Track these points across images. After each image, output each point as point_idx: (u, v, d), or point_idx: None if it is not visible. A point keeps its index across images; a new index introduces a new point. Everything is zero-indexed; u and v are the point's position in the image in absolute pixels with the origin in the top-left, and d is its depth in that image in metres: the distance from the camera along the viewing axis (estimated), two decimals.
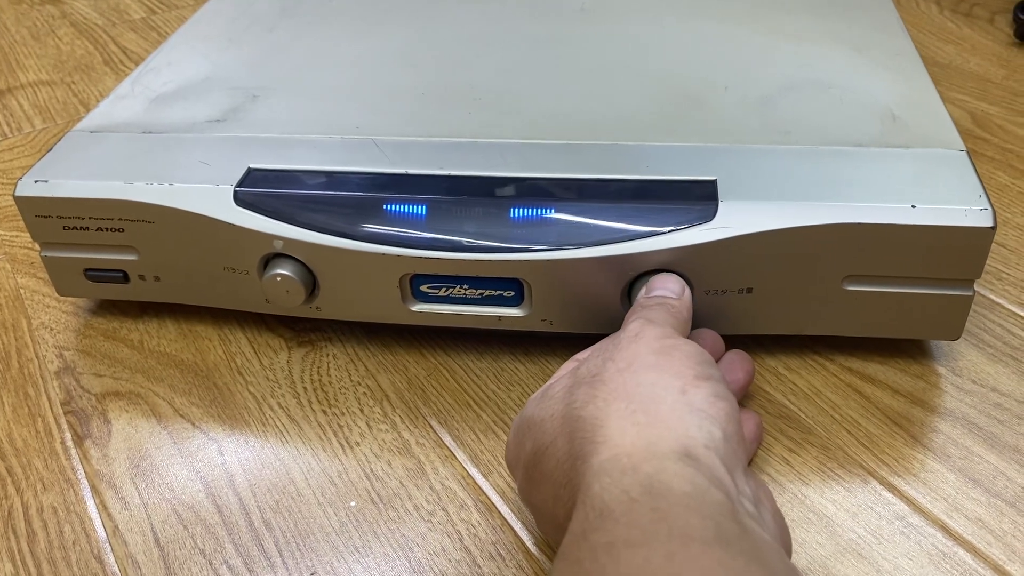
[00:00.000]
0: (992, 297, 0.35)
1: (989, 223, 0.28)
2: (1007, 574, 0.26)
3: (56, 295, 0.38)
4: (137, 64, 0.57)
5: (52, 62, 0.58)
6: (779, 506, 0.28)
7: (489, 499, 0.29)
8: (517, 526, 0.28)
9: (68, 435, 0.32)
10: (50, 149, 0.35)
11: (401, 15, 0.44)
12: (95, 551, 0.28)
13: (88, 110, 0.52)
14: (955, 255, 0.29)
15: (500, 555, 0.27)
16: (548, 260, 0.30)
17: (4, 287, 0.39)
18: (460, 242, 0.30)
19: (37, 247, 0.41)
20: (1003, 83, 0.49)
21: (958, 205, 0.29)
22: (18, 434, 0.32)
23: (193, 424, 0.32)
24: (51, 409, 0.33)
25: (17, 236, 0.42)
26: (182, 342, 0.35)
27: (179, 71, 0.40)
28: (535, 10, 0.43)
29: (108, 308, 0.37)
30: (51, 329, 0.37)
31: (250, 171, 0.33)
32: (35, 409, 0.33)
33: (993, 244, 0.38)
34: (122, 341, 0.36)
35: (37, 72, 0.57)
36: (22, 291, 0.39)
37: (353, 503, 0.29)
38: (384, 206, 0.31)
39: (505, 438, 0.31)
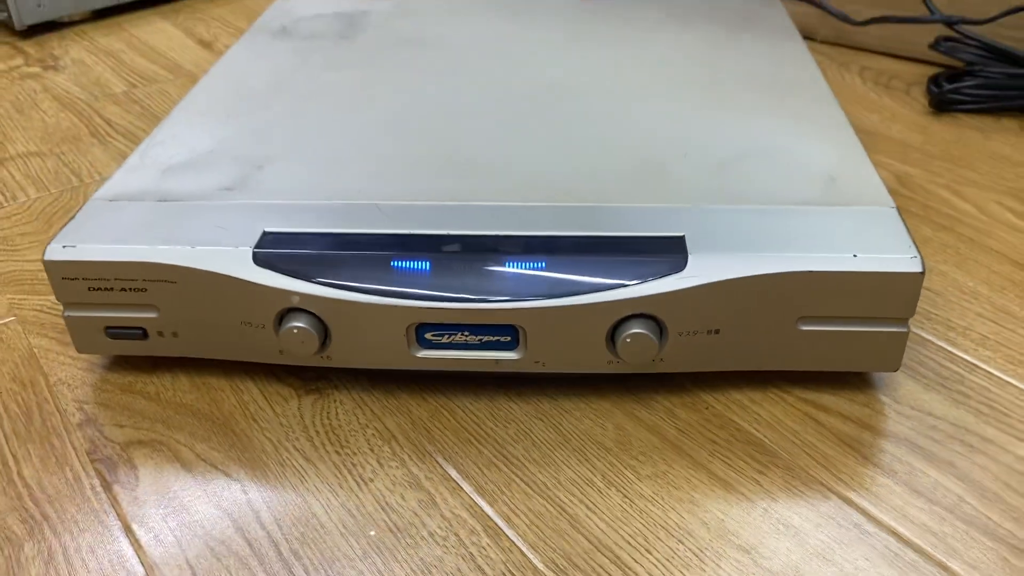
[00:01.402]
0: (923, 335, 0.40)
1: (919, 269, 0.33)
2: (949, 569, 0.30)
3: (69, 353, 0.40)
4: (123, 135, 0.60)
5: (39, 134, 0.60)
6: (752, 519, 0.32)
7: (496, 524, 0.32)
8: (524, 547, 0.31)
9: (96, 481, 0.34)
10: (72, 217, 0.38)
11: (385, 89, 0.48)
12: None
13: (80, 180, 0.55)
14: (891, 297, 0.34)
15: (511, 573, 0.30)
16: (542, 308, 0.34)
17: (18, 347, 0.41)
18: (462, 293, 0.34)
19: (45, 308, 0.44)
20: (922, 148, 0.55)
21: (892, 254, 0.34)
22: (48, 482, 0.34)
23: (215, 467, 0.34)
24: (77, 458, 0.35)
25: (25, 299, 0.44)
26: (196, 393, 0.38)
27: (185, 144, 0.43)
28: (511, 87, 0.48)
29: (122, 364, 0.40)
30: (69, 385, 0.39)
31: (265, 234, 0.36)
32: (62, 459, 0.35)
33: (922, 289, 0.43)
34: (139, 394, 0.38)
35: (25, 144, 0.59)
36: (35, 350, 0.41)
37: (372, 532, 0.32)
38: (391, 263, 0.35)
39: (505, 470, 0.34)
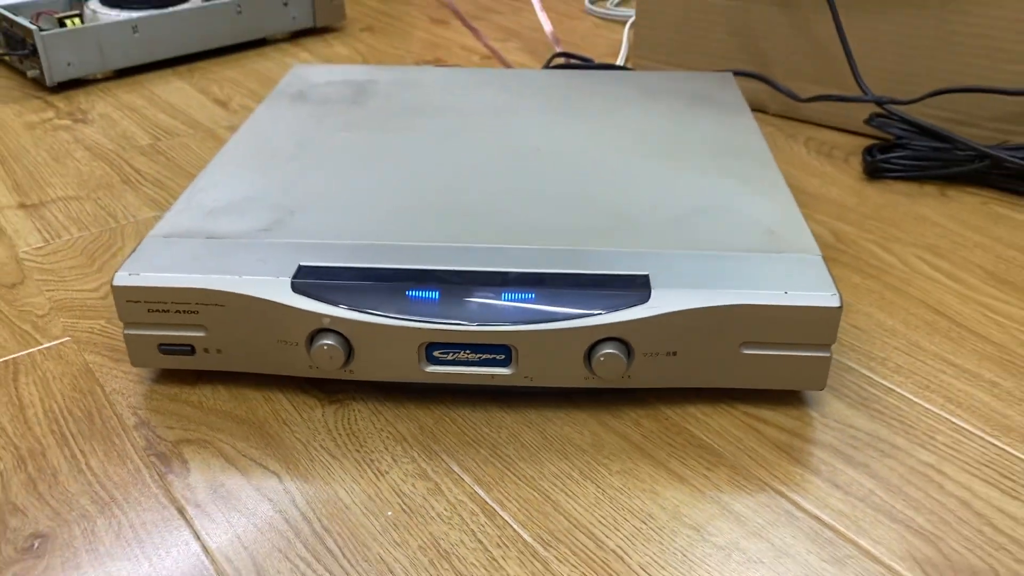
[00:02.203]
0: (849, 364, 0.48)
1: (837, 304, 0.41)
2: (859, 545, 0.37)
3: (121, 367, 0.47)
4: (152, 183, 0.67)
5: (75, 180, 0.67)
6: (702, 506, 0.39)
7: (492, 507, 0.38)
8: (515, 525, 0.38)
9: (155, 472, 0.40)
10: (134, 249, 0.44)
11: (394, 149, 0.55)
12: (194, 553, 0.36)
13: (116, 221, 0.61)
14: (815, 327, 0.41)
15: (504, 544, 0.37)
16: (530, 331, 0.41)
17: (75, 362, 0.47)
18: (465, 318, 0.41)
19: (95, 330, 0.50)
20: (856, 209, 0.64)
21: (816, 292, 0.41)
22: (112, 472, 0.40)
23: (254, 461, 0.41)
24: (136, 453, 0.41)
25: (77, 322, 0.51)
26: (234, 402, 0.45)
27: (224, 191, 0.50)
28: (503, 149, 0.55)
29: (167, 376, 0.46)
30: (122, 394, 0.45)
31: (301, 267, 0.43)
32: (122, 454, 0.41)
33: (848, 326, 0.51)
34: (184, 402, 0.44)
35: (64, 189, 0.66)
36: (91, 365, 0.47)
37: (390, 513, 0.38)
38: (406, 292, 0.42)
39: (499, 466, 0.41)
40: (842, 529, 0.38)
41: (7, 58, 0.85)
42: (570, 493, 0.39)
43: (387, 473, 0.40)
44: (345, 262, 0.43)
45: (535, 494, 0.39)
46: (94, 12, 0.88)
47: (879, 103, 0.67)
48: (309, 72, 0.68)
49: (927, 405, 0.45)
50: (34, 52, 0.81)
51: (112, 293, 0.43)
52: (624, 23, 1.04)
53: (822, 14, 0.72)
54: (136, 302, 0.43)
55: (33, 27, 0.80)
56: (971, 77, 0.68)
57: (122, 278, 0.43)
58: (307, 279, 0.42)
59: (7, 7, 0.89)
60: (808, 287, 0.42)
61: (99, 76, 0.87)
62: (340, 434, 0.43)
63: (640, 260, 0.44)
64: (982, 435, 0.43)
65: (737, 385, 0.43)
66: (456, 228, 0.46)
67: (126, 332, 0.44)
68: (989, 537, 0.37)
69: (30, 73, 0.83)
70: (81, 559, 0.36)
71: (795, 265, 0.43)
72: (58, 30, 0.81)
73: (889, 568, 0.36)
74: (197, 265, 0.43)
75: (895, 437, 0.43)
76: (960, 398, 0.45)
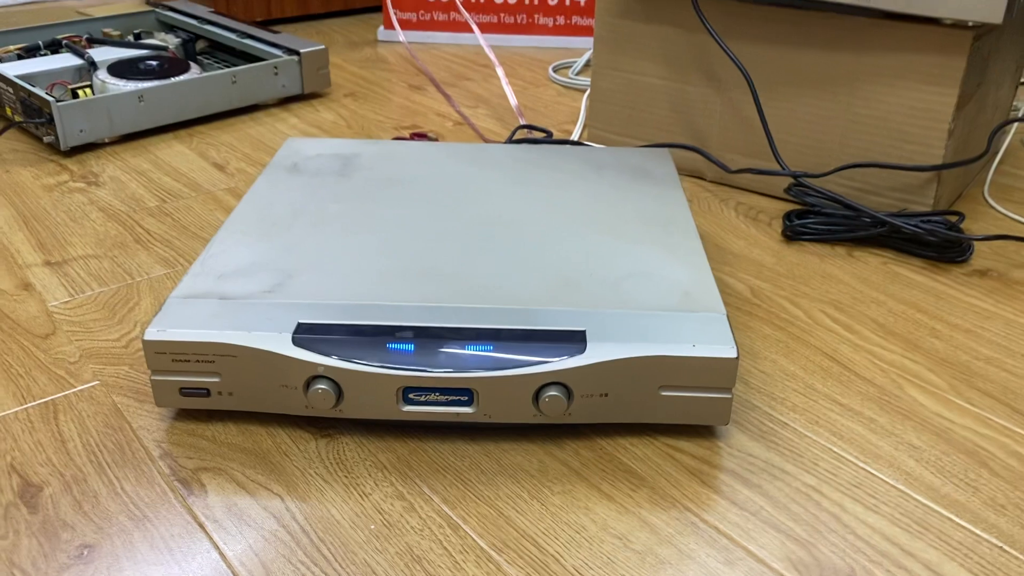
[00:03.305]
0: (753, 402, 0.58)
1: (734, 355, 0.51)
2: (748, 550, 0.46)
3: (144, 407, 0.56)
4: (161, 242, 0.76)
5: (93, 240, 0.76)
6: (625, 519, 0.48)
7: (456, 522, 0.48)
8: (475, 536, 0.47)
9: (178, 494, 0.49)
10: (159, 310, 0.53)
11: (377, 218, 0.65)
12: (215, 560, 0.45)
13: (132, 277, 0.70)
14: (718, 373, 0.51)
15: (465, 551, 0.46)
16: (489, 377, 0.50)
17: (105, 403, 0.56)
18: (435, 366, 0.50)
19: (121, 375, 0.59)
20: (773, 268, 0.74)
21: (718, 345, 0.51)
22: (144, 494, 0.49)
23: (260, 485, 0.50)
24: (162, 479, 0.50)
25: (104, 368, 0.59)
26: (242, 436, 0.53)
27: (232, 258, 0.59)
28: (467, 217, 0.65)
29: (185, 415, 0.55)
30: (148, 430, 0.54)
31: (299, 324, 0.52)
32: (151, 479, 0.50)
33: (756, 370, 0.61)
34: (200, 436, 0.53)
35: (83, 248, 0.75)
36: (119, 405, 0.56)
37: (372, 526, 0.47)
38: (387, 345, 0.51)
39: (462, 488, 0.50)
40: (735, 537, 0.47)
41: (26, 125, 0.94)
42: (519, 510, 0.49)
43: (370, 495, 0.49)
44: (336, 319, 0.53)
45: (491, 511, 0.48)
46: (103, 82, 0.97)
47: (795, 176, 0.78)
48: (302, 145, 0.78)
49: (815, 437, 0.55)
50: (51, 120, 0.90)
51: (143, 346, 0.51)
52: (583, 91, 1.15)
53: (748, 96, 0.83)
54: (162, 353, 0.52)
55: (50, 98, 0.89)
56: (875, 153, 0.79)
57: (151, 333, 0.52)
58: (305, 334, 0.52)
59: (23, 77, 0.99)
60: (712, 341, 0.52)
61: (107, 140, 0.96)
62: (331, 462, 0.52)
63: (578, 318, 0.53)
64: (856, 462, 0.53)
65: (657, 420, 0.53)
66: (428, 289, 0.56)
67: (153, 378, 0.53)
68: (851, 543, 0.47)
69: (46, 139, 0.92)
70: (123, 564, 0.45)
71: (703, 323, 0.53)
72: (73, 101, 0.90)
73: (771, 568, 0.45)
74: (213, 322, 0.52)
75: (786, 464, 0.52)
76: (842, 432, 0.55)
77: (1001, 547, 0.47)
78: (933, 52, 0.73)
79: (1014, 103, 1.09)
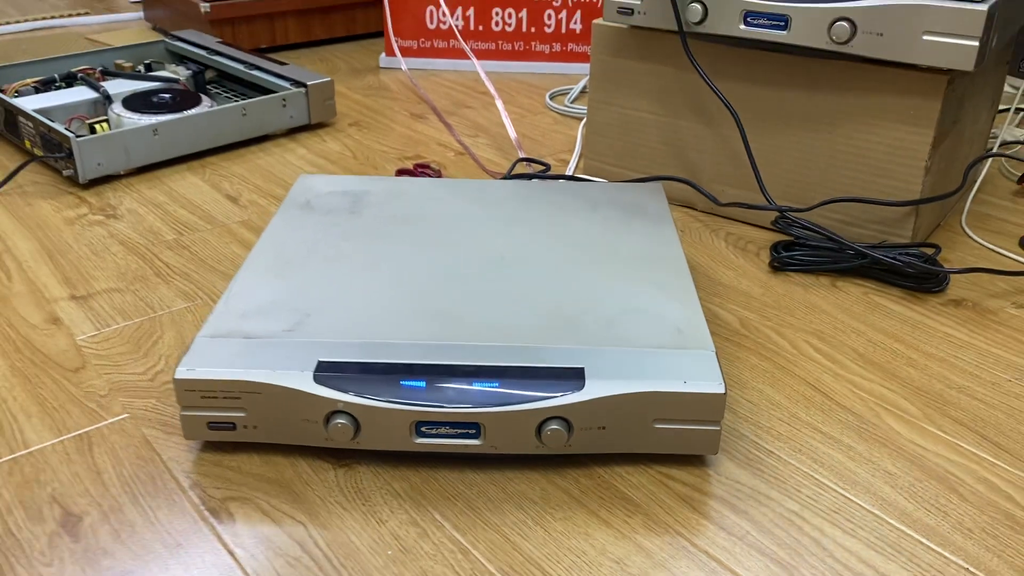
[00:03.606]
0: (741, 431, 0.62)
1: (722, 391, 0.55)
2: (735, 572, 0.50)
3: (172, 439, 0.59)
4: (180, 276, 0.80)
5: (115, 274, 0.80)
6: (622, 544, 0.52)
7: (466, 547, 0.52)
8: (484, 560, 0.51)
9: (208, 523, 0.53)
10: (188, 349, 0.57)
11: (386, 257, 0.69)
12: None
13: (154, 311, 0.74)
14: (707, 408, 0.55)
15: (476, 574, 0.50)
16: (496, 412, 0.55)
17: (135, 435, 0.60)
18: (446, 402, 0.54)
19: (149, 408, 0.63)
20: (760, 298, 0.78)
21: (707, 381, 0.55)
22: (176, 523, 0.53)
23: (284, 513, 0.54)
24: (193, 509, 0.54)
25: (133, 401, 0.63)
26: (265, 467, 0.57)
27: (254, 296, 0.63)
28: (476, 255, 0.69)
29: (211, 446, 0.59)
30: (176, 461, 0.58)
31: (319, 362, 0.56)
32: (182, 509, 0.54)
33: (744, 400, 0.65)
34: (227, 467, 0.57)
35: (106, 282, 0.79)
36: (148, 437, 0.60)
37: (389, 552, 0.51)
38: (400, 382, 0.55)
39: (471, 515, 0.54)
40: (724, 560, 0.51)
41: (46, 159, 0.98)
42: (525, 535, 0.53)
43: (386, 521, 0.53)
44: (352, 357, 0.57)
45: (498, 536, 0.52)
46: (119, 116, 1.01)
47: (780, 211, 0.82)
48: (314, 182, 0.82)
49: (797, 464, 0.59)
50: (70, 155, 0.94)
51: (174, 384, 0.55)
52: (579, 119, 1.20)
53: (737, 132, 0.88)
54: (192, 391, 0.56)
55: (70, 134, 0.93)
56: (856, 188, 0.83)
57: (182, 372, 0.56)
58: (325, 372, 0.56)
59: (41, 111, 1.03)
60: (702, 378, 0.56)
61: (123, 172, 1.00)
62: (349, 491, 0.56)
63: (577, 355, 0.57)
64: (835, 488, 0.57)
65: (652, 451, 0.57)
66: (437, 327, 0.60)
67: (183, 413, 0.57)
68: (830, 566, 0.51)
69: (65, 172, 0.96)
70: None
71: (694, 360, 0.57)
72: (91, 136, 0.94)
73: None
74: (239, 361, 0.56)
75: (770, 490, 0.57)
76: (823, 459, 0.59)
77: (967, 568, 0.51)
78: (910, 94, 0.78)
79: (992, 131, 1.14)
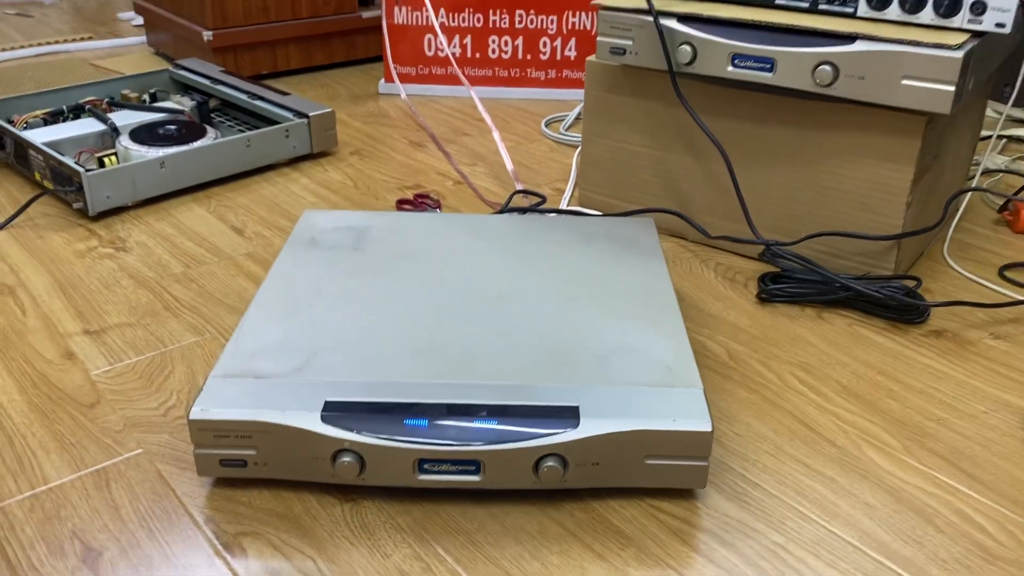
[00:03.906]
0: (728, 464, 0.65)
1: (709, 429, 0.58)
2: None
3: (186, 475, 0.62)
4: (189, 309, 0.83)
5: (126, 308, 0.83)
6: (610, 575, 0.55)
7: None
8: None
9: (223, 558, 0.56)
10: (201, 389, 0.60)
11: (389, 294, 0.72)
12: None
13: (164, 345, 0.77)
14: (695, 445, 0.58)
15: None
16: (495, 450, 0.57)
17: (150, 470, 0.63)
18: (447, 440, 0.57)
19: (162, 443, 0.65)
20: (748, 330, 0.81)
21: (695, 420, 0.58)
22: (192, 557, 0.56)
23: (293, 547, 0.56)
24: (207, 543, 0.57)
25: (147, 436, 0.66)
26: (275, 502, 0.60)
27: (262, 336, 0.66)
28: (474, 292, 0.72)
29: (223, 482, 0.62)
30: (190, 496, 0.61)
31: (327, 402, 0.59)
32: (197, 544, 0.57)
33: (732, 433, 0.68)
34: (238, 502, 0.60)
35: (118, 316, 0.81)
36: (163, 473, 0.63)
37: None
38: (404, 421, 0.58)
39: (472, 549, 0.57)
40: None
41: (57, 192, 1.01)
42: (523, 570, 0.55)
43: (391, 555, 0.56)
44: (358, 397, 0.60)
45: (498, 571, 0.55)
46: (126, 149, 1.04)
47: (766, 244, 0.85)
48: (318, 218, 0.85)
49: (782, 497, 0.62)
50: (80, 188, 0.96)
51: (188, 424, 0.58)
52: (574, 147, 1.23)
53: (726, 166, 0.91)
54: (205, 430, 0.59)
55: (80, 168, 0.96)
56: (841, 222, 0.87)
57: (196, 413, 0.58)
58: (332, 412, 0.58)
59: (51, 144, 1.05)
60: (690, 416, 0.59)
61: (131, 204, 1.02)
62: (355, 526, 0.58)
63: (572, 394, 0.60)
64: (818, 520, 0.60)
65: (644, 485, 0.60)
66: (438, 366, 0.63)
67: (196, 451, 0.59)
68: None
69: (75, 205, 0.99)
70: None
71: (683, 398, 0.60)
72: (100, 171, 0.97)
73: None
74: (250, 401, 0.59)
75: (756, 523, 0.59)
76: (807, 492, 0.62)
77: None
78: (890, 134, 0.81)
79: (976, 157, 1.17)
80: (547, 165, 1.17)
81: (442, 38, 1.28)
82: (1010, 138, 1.27)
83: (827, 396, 0.72)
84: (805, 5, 0.83)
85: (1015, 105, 1.37)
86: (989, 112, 1.35)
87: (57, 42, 1.70)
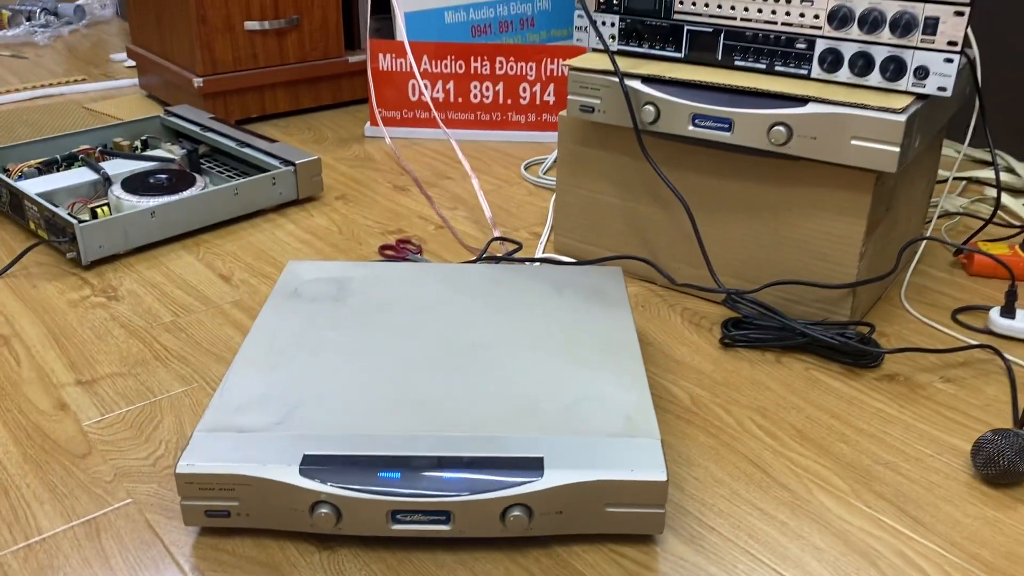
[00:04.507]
0: (687, 508, 0.69)
1: (664, 479, 0.62)
2: None
3: (172, 524, 0.66)
4: (178, 359, 0.86)
5: (117, 358, 0.87)
6: None
7: None
8: None
9: None
10: (187, 444, 0.64)
11: (368, 347, 0.76)
12: None
13: (154, 394, 0.81)
14: (652, 493, 0.62)
15: None
16: (464, 501, 0.61)
17: (139, 520, 0.66)
18: (418, 492, 0.61)
19: (151, 493, 0.69)
20: (711, 375, 0.85)
21: (651, 470, 0.62)
22: None
23: None
24: None
25: (136, 486, 0.70)
26: (257, 549, 0.64)
27: (246, 390, 0.70)
28: (448, 343, 0.76)
29: (208, 531, 0.65)
30: (177, 545, 0.64)
31: (305, 456, 0.63)
32: None
33: (691, 477, 0.72)
34: (223, 551, 0.64)
35: (110, 366, 0.85)
36: (151, 522, 0.66)
37: None
38: (378, 473, 0.62)
39: None
40: None
41: (51, 242, 1.04)
42: None
43: None
44: (335, 450, 0.63)
45: None
46: (118, 198, 1.08)
47: (728, 293, 0.90)
48: (301, 269, 0.89)
49: (736, 540, 0.66)
50: (73, 239, 1.00)
51: (175, 478, 0.62)
52: (552, 191, 1.27)
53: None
54: (191, 483, 0.62)
55: (73, 220, 1.00)
56: (799, 271, 0.91)
57: (183, 467, 0.62)
58: (309, 465, 0.62)
59: (45, 195, 1.10)
60: (647, 466, 0.63)
61: (122, 253, 1.06)
62: (333, 573, 0.62)
63: (538, 444, 0.64)
64: (768, 563, 0.64)
65: (605, 531, 0.64)
66: (411, 418, 0.67)
67: (183, 503, 0.63)
68: None
69: (69, 255, 1.03)
70: None
71: (641, 449, 0.64)
72: (93, 222, 1.01)
73: None
74: (233, 455, 0.63)
75: (710, 566, 0.63)
76: (759, 535, 0.66)
77: None
78: (843, 188, 0.85)
79: (934, 199, 1.22)
80: (525, 209, 1.22)
81: (422, 85, 1.33)
82: (970, 179, 1.32)
83: (782, 440, 0.76)
84: (762, 67, 0.88)
85: (974, 146, 1.42)
86: (951, 152, 1.40)
87: (51, 84, 1.74)
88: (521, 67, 1.42)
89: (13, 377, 0.83)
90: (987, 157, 1.39)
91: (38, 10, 2.22)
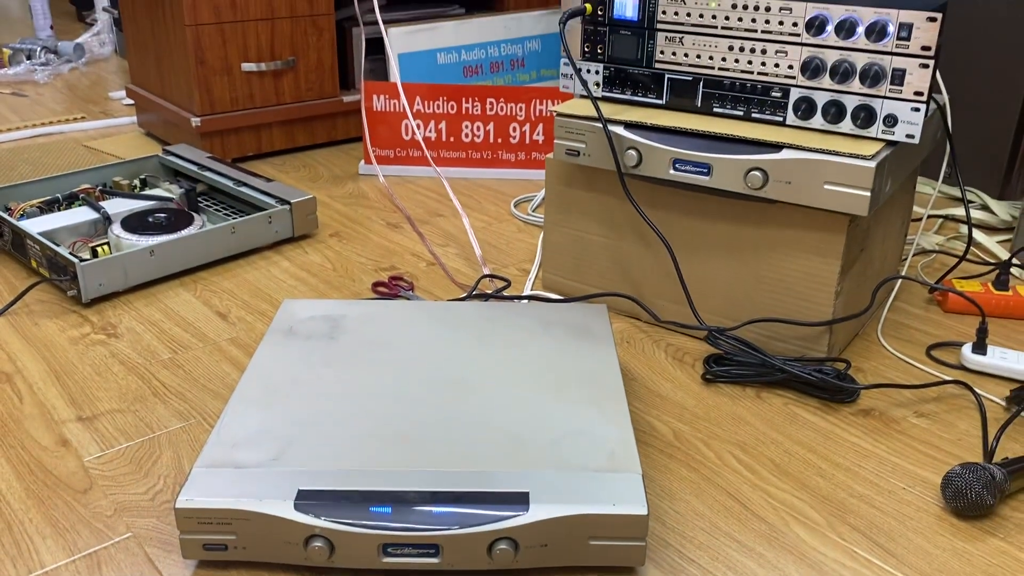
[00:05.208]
0: (667, 540, 0.71)
1: (644, 512, 0.64)
2: None
3: (171, 557, 0.68)
4: (176, 395, 0.89)
5: (117, 394, 0.89)
6: None
7: None
8: None
9: None
10: (187, 479, 0.66)
11: (360, 383, 0.78)
12: None
13: (152, 431, 0.83)
14: (633, 527, 0.65)
15: None
16: (452, 535, 0.64)
17: (139, 554, 0.69)
18: (409, 526, 0.64)
19: (150, 527, 0.71)
20: (693, 410, 0.88)
21: (632, 504, 0.65)
22: None
23: None
24: None
25: (136, 520, 0.72)
26: None
27: (242, 426, 0.73)
28: (438, 380, 0.79)
29: (205, 564, 0.68)
30: None
31: (300, 491, 0.65)
32: None
33: (672, 510, 0.74)
34: None
35: (109, 403, 0.88)
36: (150, 555, 0.68)
37: None
38: (369, 508, 0.64)
39: None
40: None
41: (52, 281, 1.07)
42: None
43: None
44: (328, 485, 0.66)
45: None
46: (118, 237, 1.11)
47: (709, 331, 0.93)
48: (296, 308, 0.92)
49: (715, 573, 0.68)
50: (74, 277, 1.03)
51: (175, 513, 0.64)
52: (541, 227, 1.31)
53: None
54: (190, 518, 0.65)
55: (75, 259, 1.03)
56: (777, 308, 0.94)
57: (182, 502, 0.65)
58: (304, 500, 0.65)
59: (46, 234, 1.12)
60: (628, 501, 0.65)
61: (122, 290, 1.09)
62: None
63: (525, 479, 0.67)
64: None
65: (589, 564, 0.66)
66: (401, 455, 0.69)
67: (182, 536, 0.65)
68: None
69: (69, 293, 1.05)
70: None
71: (623, 484, 0.67)
72: (94, 261, 1.04)
73: None
74: (231, 491, 0.65)
75: None
76: (737, 567, 0.69)
77: None
78: (818, 230, 0.89)
79: (910, 236, 1.26)
80: (515, 246, 1.25)
81: (414, 125, 1.36)
82: (946, 217, 1.36)
83: (760, 474, 0.79)
84: (740, 113, 0.92)
85: (949, 184, 1.47)
86: (927, 189, 1.44)
87: (51, 123, 1.78)
88: (511, 107, 1.46)
89: (16, 414, 0.86)
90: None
91: (38, 48, 2.26)
